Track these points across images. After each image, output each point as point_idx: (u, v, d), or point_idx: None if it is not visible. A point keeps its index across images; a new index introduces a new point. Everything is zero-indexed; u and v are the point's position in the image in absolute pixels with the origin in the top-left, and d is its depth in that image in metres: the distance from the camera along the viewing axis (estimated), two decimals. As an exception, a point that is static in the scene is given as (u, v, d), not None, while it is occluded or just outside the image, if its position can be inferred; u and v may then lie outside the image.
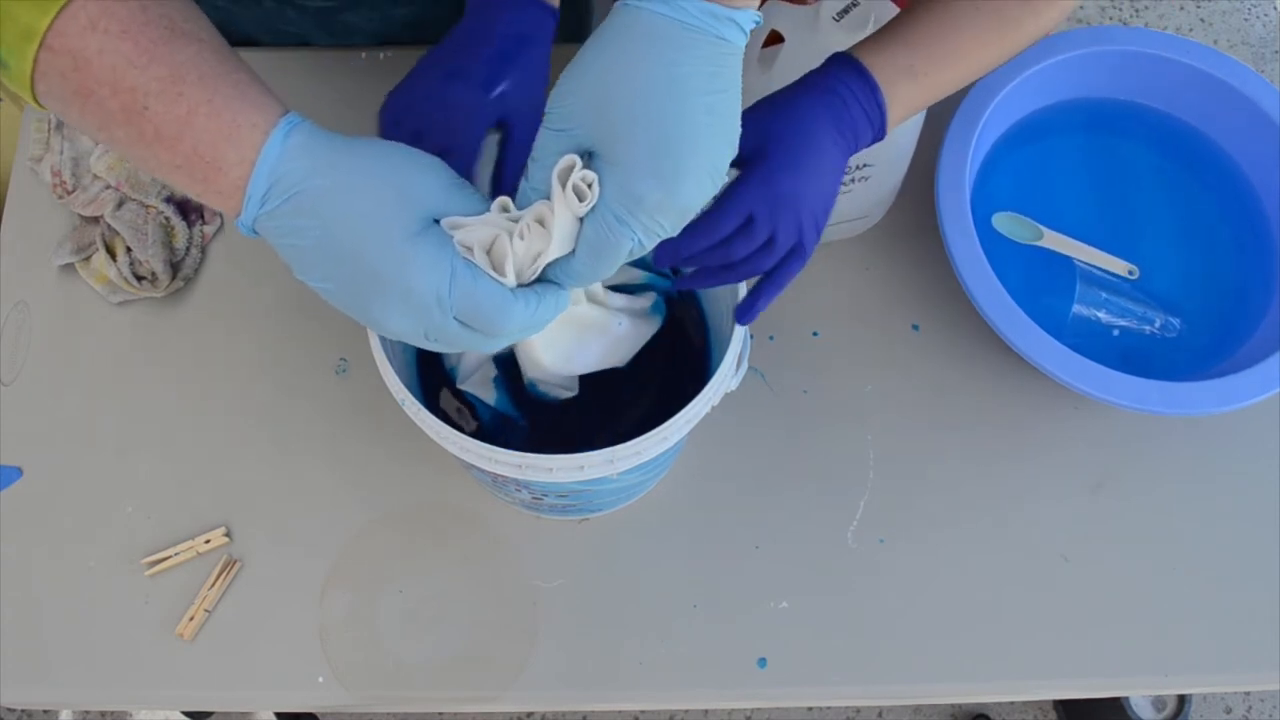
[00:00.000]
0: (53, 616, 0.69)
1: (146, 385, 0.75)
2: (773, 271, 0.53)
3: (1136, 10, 1.94)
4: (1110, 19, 1.91)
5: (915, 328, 0.77)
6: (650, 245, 0.41)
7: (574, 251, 0.41)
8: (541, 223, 0.40)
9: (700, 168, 0.39)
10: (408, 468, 0.72)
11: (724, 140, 0.39)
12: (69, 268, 0.78)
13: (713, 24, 0.38)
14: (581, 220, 0.40)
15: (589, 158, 0.40)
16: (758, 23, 0.40)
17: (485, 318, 0.40)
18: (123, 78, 0.38)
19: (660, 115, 0.38)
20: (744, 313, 0.55)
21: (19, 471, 0.73)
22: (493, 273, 0.40)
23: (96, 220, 0.78)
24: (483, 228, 0.40)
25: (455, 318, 0.41)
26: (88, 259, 0.77)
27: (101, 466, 0.73)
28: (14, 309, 0.77)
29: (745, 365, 0.57)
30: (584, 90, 0.39)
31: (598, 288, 0.54)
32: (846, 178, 0.69)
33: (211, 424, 0.74)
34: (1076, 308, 0.75)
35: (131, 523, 0.71)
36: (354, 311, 0.42)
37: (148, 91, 0.39)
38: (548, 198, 0.40)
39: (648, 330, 0.58)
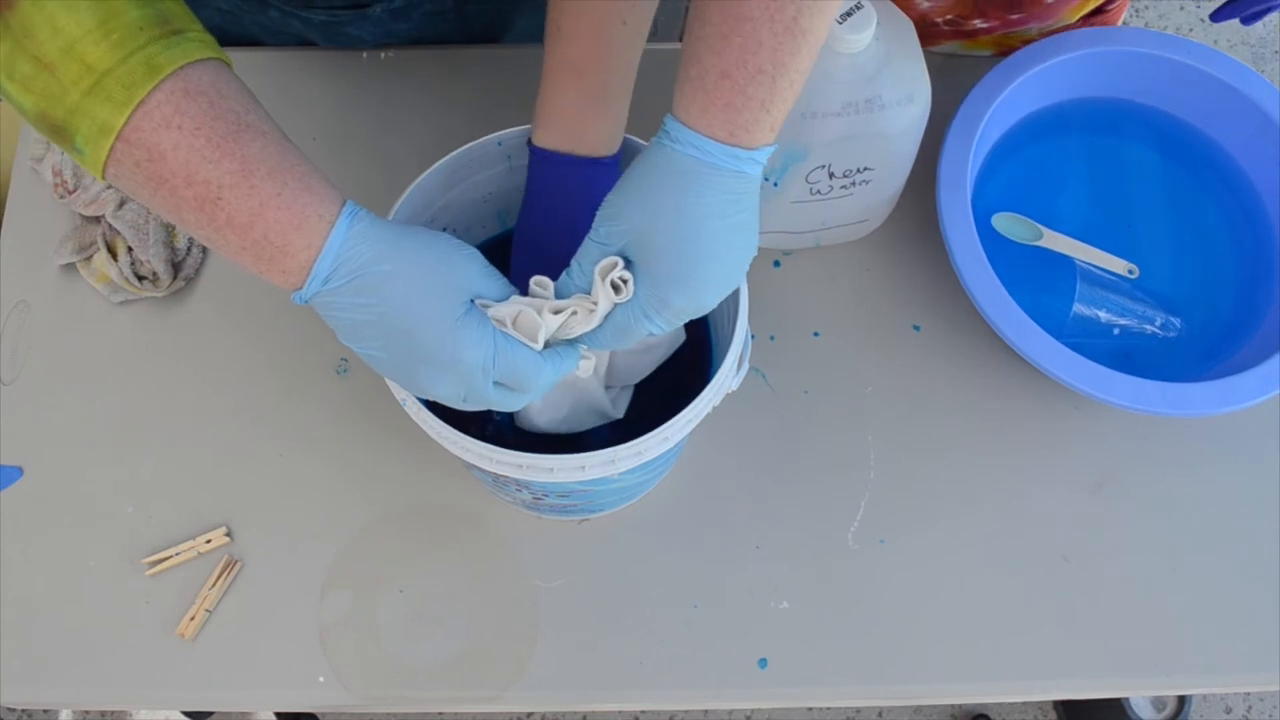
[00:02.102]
0: (53, 616, 0.69)
1: (146, 385, 0.75)
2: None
3: (1136, 10, 1.94)
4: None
5: (916, 328, 0.77)
6: (665, 331, 0.48)
7: (600, 328, 0.48)
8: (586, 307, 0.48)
9: (720, 279, 0.47)
10: (408, 468, 0.72)
11: (741, 255, 0.47)
12: (70, 267, 0.78)
13: (733, 163, 0.45)
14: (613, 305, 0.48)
15: (627, 262, 0.47)
16: (774, 150, 0.46)
17: (521, 378, 0.47)
18: (196, 171, 0.42)
19: (687, 240, 0.45)
20: (1253, 18, 0.68)
21: (19, 471, 0.73)
22: (524, 340, 0.47)
23: (97, 220, 0.78)
24: (510, 305, 0.47)
25: (495, 381, 0.47)
26: (89, 259, 0.77)
27: (101, 466, 0.73)
28: (14, 309, 0.77)
29: (746, 365, 0.57)
30: (625, 216, 0.46)
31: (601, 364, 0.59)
32: (846, 180, 0.69)
33: (212, 424, 0.74)
34: (1077, 307, 0.75)
35: (131, 523, 0.71)
36: (399, 377, 0.47)
37: (221, 184, 0.42)
38: (584, 291, 0.48)
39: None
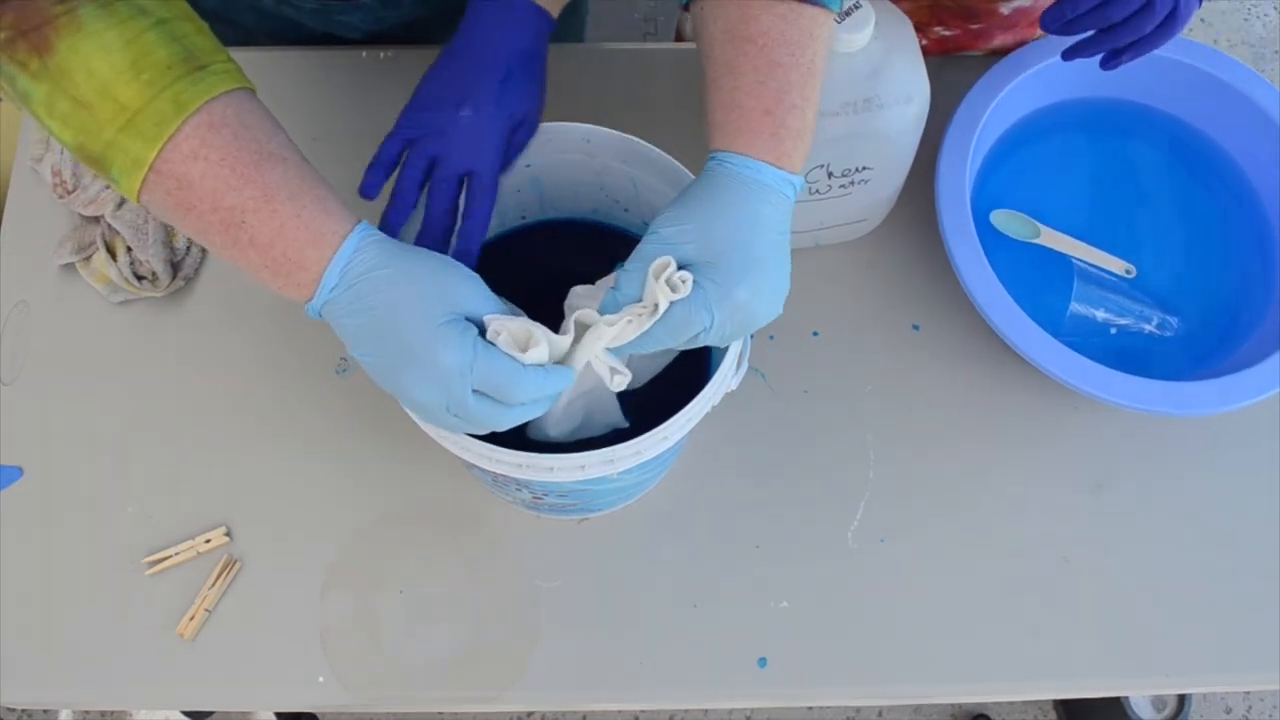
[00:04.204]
0: (53, 616, 0.69)
1: (146, 385, 0.75)
2: (1144, 40, 0.66)
3: (1136, 10, 1.94)
4: (1110, 19, 1.91)
5: (915, 328, 0.77)
6: (710, 337, 0.49)
7: (654, 325, 0.49)
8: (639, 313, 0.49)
9: (770, 288, 0.50)
10: (408, 468, 0.72)
11: (785, 275, 0.51)
12: (69, 267, 0.78)
13: (781, 185, 0.50)
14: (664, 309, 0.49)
15: (681, 268, 0.49)
16: (803, 187, 0.52)
17: (500, 385, 0.47)
18: (222, 198, 0.46)
19: (749, 242, 0.49)
20: (1109, 60, 0.68)
21: (19, 471, 0.73)
22: (513, 352, 0.47)
23: (97, 220, 0.78)
24: (517, 322, 0.48)
25: (475, 389, 0.47)
26: (88, 259, 0.77)
27: (101, 466, 0.73)
28: (14, 309, 0.77)
29: (745, 365, 0.57)
30: (692, 218, 0.49)
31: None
32: (845, 180, 0.70)
33: (212, 424, 0.74)
34: (1074, 306, 0.75)
35: (131, 523, 0.71)
36: (388, 382, 0.48)
37: (244, 209, 0.46)
38: (633, 300, 0.49)
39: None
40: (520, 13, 0.60)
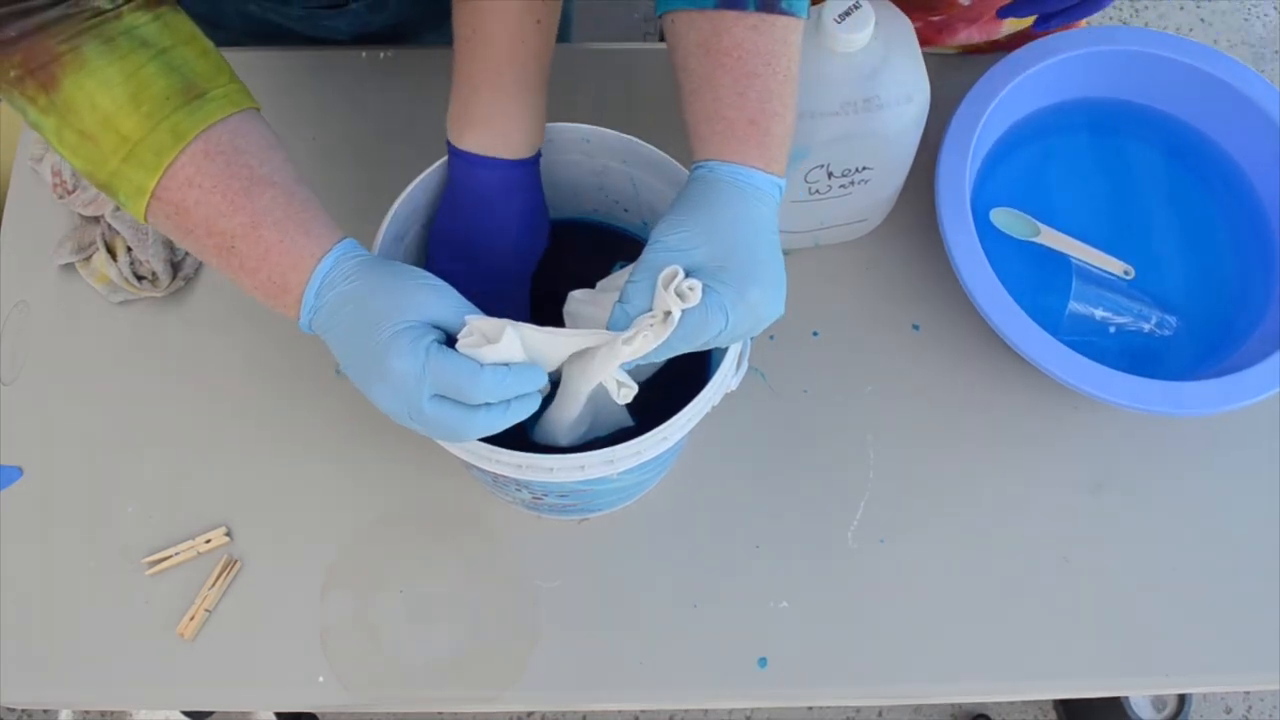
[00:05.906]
0: (53, 616, 0.69)
1: (146, 385, 0.75)
2: (1073, 8, 0.69)
3: (1136, 10, 1.94)
4: (1110, 19, 1.91)
5: (915, 328, 0.77)
6: (723, 339, 0.49)
7: (671, 334, 0.49)
8: (653, 323, 0.48)
9: (777, 281, 0.50)
10: (408, 468, 0.72)
11: (782, 273, 0.51)
12: (69, 267, 0.78)
13: (770, 188, 0.51)
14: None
15: (688, 275, 0.49)
16: (787, 187, 0.54)
17: (458, 387, 0.46)
18: (214, 224, 0.49)
19: (752, 244, 0.50)
20: (1040, 24, 0.72)
21: (19, 471, 0.73)
22: (483, 350, 0.47)
23: (97, 220, 0.78)
24: (493, 320, 0.48)
25: (437, 394, 0.47)
26: (88, 259, 0.77)
27: (101, 466, 0.73)
28: (14, 309, 0.77)
29: (745, 365, 0.57)
30: (696, 224, 0.49)
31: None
32: (845, 180, 0.69)
33: (212, 424, 0.74)
34: (1072, 305, 0.75)
35: (131, 523, 0.71)
36: (363, 390, 0.49)
37: (234, 235, 0.49)
38: (644, 309, 0.49)
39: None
40: (517, 177, 0.60)
